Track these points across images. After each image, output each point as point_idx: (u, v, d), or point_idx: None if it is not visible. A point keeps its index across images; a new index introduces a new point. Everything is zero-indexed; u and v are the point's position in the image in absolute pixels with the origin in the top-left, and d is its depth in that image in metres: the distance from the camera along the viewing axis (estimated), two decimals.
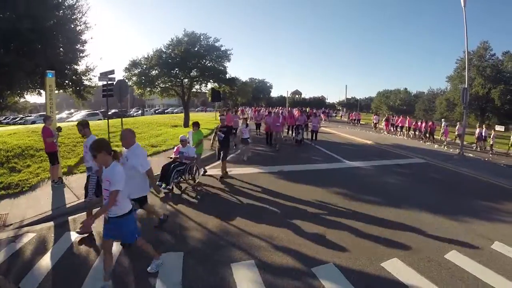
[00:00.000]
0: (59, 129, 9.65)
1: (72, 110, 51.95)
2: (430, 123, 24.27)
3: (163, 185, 8.23)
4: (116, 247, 5.30)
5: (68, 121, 35.74)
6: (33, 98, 43.63)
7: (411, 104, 65.43)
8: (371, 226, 6.44)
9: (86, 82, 17.37)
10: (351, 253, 5.24)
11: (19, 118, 47.13)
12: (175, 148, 9.84)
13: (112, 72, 14.06)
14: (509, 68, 37.38)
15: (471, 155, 16.84)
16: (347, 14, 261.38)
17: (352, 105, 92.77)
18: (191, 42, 25.06)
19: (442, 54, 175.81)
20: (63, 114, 46.62)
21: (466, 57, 19.70)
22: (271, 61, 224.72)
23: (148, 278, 4.51)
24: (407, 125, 27.34)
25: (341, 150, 17.25)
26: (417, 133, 26.09)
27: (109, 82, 13.98)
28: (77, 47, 15.50)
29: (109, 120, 16.65)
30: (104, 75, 14.21)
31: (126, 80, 24.53)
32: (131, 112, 58.53)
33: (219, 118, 13.46)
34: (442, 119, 28.57)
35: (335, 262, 4.93)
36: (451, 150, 18.55)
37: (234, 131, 18.45)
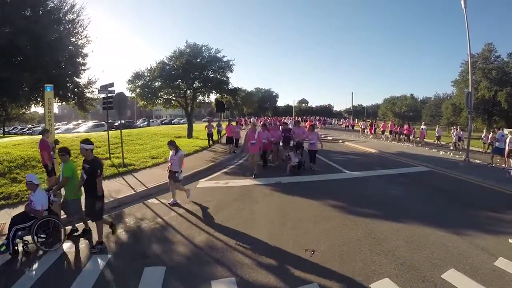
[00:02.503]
0: (57, 142, 9.92)
1: (80, 121, 52.46)
2: (406, 126, 28.51)
3: (3, 248, 5.68)
4: (100, 259, 5.56)
5: (74, 132, 36.20)
6: (42, 109, 44.23)
7: (418, 110, 64.92)
8: (365, 242, 6.13)
9: (88, 95, 17.56)
10: (339, 272, 4.97)
11: (27, 129, 47.75)
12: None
13: (111, 85, 14.22)
14: None
15: (477, 161, 16.24)
16: (352, 22, 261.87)
17: (359, 113, 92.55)
18: (193, 54, 25.20)
19: (448, 59, 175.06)
20: (70, 125, 47.09)
21: (469, 59, 19.46)
22: (277, 70, 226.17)
23: None
24: (389, 129, 30.89)
25: (342, 159, 17.07)
26: (397, 136, 29.72)
27: (109, 95, 14.10)
28: (78, 60, 15.66)
29: (115, 131, 16.76)
30: (104, 88, 14.38)
31: (130, 92, 24.84)
32: (138, 123, 58.88)
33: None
34: (423, 122, 33.13)
35: (320, 283, 4.67)
36: (426, 148, 22.45)
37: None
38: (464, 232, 6.56)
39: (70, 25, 14.91)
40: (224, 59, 26.47)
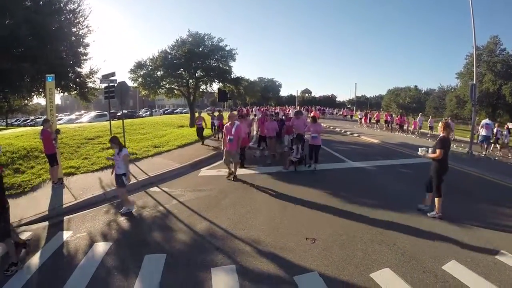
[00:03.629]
0: (58, 131, 9.95)
1: (83, 111, 52.47)
2: (398, 117, 30.92)
3: None
4: (102, 247, 5.56)
5: (77, 122, 36.21)
6: (44, 100, 44.34)
7: (421, 101, 64.47)
8: (366, 231, 6.13)
9: (90, 84, 17.54)
10: (339, 261, 4.98)
11: (29, 120, 47.79)
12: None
13: (113, 74, 14.17)
14: None
15: (482, 154, 16.33)
16: (357, 12, 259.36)
17: (362, 103, 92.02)
18: (195, 43, 25.09)
19: (453, 51, 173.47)
20: (73, 116, 47.14)
21: (474, 52, 19.29)
22: (280, 60, 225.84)
23: (127, 279, 4.61)
24: (384, 119, 33.17)
25: (344, 149, 17.00)
26: (392, 125, 31.20)
27: (110, 84, 14.06)
28: (79, 50, 15.62)
29: (117, 120, 16.71)
30: (105, 78, 14.33)
31: (132, 81, 24.77)
32: (141, 113, 58.89)
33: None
34: (420, 114, 32.63)
35: (320, 271, 4.70)
36: (429, 139, 22.86)
37: None
38: (466, 225, 6.52)
39: (71, 14, 14.83)
40: (227, 48, 26.43)
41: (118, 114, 49.00)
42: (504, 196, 9.00)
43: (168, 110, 67.55)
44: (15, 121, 50.09)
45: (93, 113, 44.48)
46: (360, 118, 38.49)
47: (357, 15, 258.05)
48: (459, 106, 41.55)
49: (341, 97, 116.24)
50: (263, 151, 14.03)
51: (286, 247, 5.48)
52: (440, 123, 7.64)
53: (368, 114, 37.47)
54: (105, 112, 44.38)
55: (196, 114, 17.91)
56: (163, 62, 24.31)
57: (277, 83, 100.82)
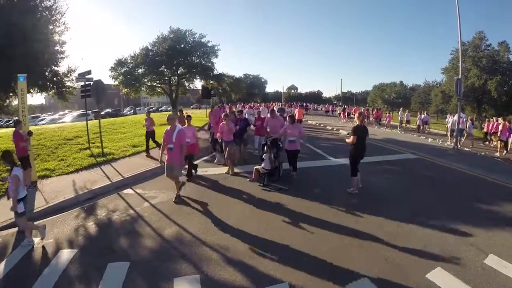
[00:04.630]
0: (30, 133, 9.52)
1: (66, 111, 51.59)
2: (375, 111, 34.04)
3: None
4: (67, 255, 5.31)
5: (60, 122, 35.51)
6: (29, 99, 43.57)
7: (407, 97, 64.96)
8: (345, 236, 5.74)
9: (68, 83, 17.10)
10: (312, 272, 4.59)
11: (11, 121, 46.73)
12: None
13: (89, 72, 13.77)
14: (505, 59, 36.74)
15: (466, 149, 16.48)
16: (341, 8, 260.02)
17: (348, 99, 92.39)
18: (176, 39, 24.72)
19: (438, 46, 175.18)
20: (56, 115, 46.33)
21: (460, 46, 19.38)
22: (266, 56, 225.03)
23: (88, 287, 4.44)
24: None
25: (327, 145, 16.77)
26: (369, 119, 32.29)
27: (86, 83, 13.65)
28: (56, 48, 15.18)
29: (101, 120, 16.21)
30: (81, 76, 13.92)
31: (113, 80, 24.28)
32: (125, 111, 58.14)
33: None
34: (401, 108, 34.14)
35: (291, 283, 4.32)
36: (394, 130, 26.12)
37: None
38: (452, 226, 6.21)
39: (47, 12, 14.40)
40: (209, 44, 26.22)
41: (102, 113, 48.35)
42: (489, 194, 8.69)
43: (153, 108, 66.76)
44: None
45: (75, 113, 43.76)
46: (339, 113, 40.98)
47: (342, 11, 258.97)
48: (445, 101, 41.68)
49: (327, 93, 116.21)
50: (221, 156, 11.79)
51: (256, 255, 5.15)
52: (356, 113, 8.86)
53: (346, 109, 40.14)
54: (88, 112, 43.75)
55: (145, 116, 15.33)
56: (144, 59, 23.94)
57: (262, 80, 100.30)
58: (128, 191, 8.84)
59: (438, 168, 11.93)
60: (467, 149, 16.37)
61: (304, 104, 58.33)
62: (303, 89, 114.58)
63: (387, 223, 6.42)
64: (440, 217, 6.65)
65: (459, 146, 16.18)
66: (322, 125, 29.20)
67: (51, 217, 7.07)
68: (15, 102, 30.77)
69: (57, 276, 4.70)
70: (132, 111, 59.41)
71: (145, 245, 5.64)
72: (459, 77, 16.91)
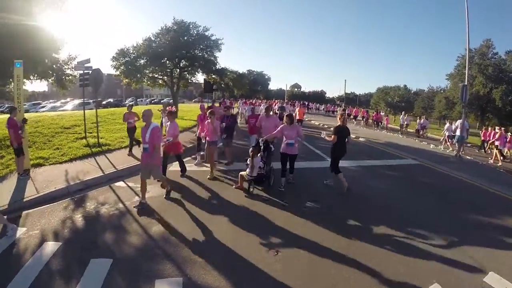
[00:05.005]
0: (24, 120, 9.39)
1: (68, 99, 51.38)
2: (374, 113, 33.59)
3: None
4: (51, 248, 5.20)
5: (60, 110, 35.38)
6: (32, 86, 43.52)
7: (410, 101, 64.39)
8: (337, 247, 5.38)
9: (68, 71, 16.93)
10: (305, 282, 4.36)
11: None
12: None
13: (88, 61, 13.58)
14: (511, 68, 36.42)
15: (468, 157, 16.24)
16: (348, 9, 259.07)
17: (352, 100, 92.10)
18: (180, 31, 24.46)
19: (444, 52, 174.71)
20: (58, 103, 46.20)
21: (467, 53, 19.03)
22: (270, 53, 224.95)
23: (68, 285, 4.28)
24: (360, 115, 36.40)
25: (327, 146, 16.29)
26: (368, 121, 34.22)
27: (85, 71, 13.46)
28: (55, 35, 15.00)
29: (102, 109, 16.04)
30: (80, 64, 13.73)
31: (114, 69, 24.06)
32: (126, 102, 57.90)
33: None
34: (402, 112, 34.24)
35: None
36: (390, 133, 26.19)
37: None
38: (451, 238, 5.93)
39: None
40: (213, 38, 25.90)
41: (104, 102, 48.21)
42: (492, 206, 8.34)
43: (155, 100, 66.59)
44: None
45: (76, 101, 43.67)
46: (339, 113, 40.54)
47: (349, 12, 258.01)
48: (448, 108, 41.36)
49: (330, 93, 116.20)
50: (201, 158, 11.11)
51: (244, 259, 4.92)
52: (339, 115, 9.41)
53: (347, 110, 39.31)
54: (90, 101, 43.68)
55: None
56: (147, 50, 23.65)
57: (266, 76, 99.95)
58: (120, 183, 8.66)
59: (439, 175, 11.64)
60: (469, 157, 16.14)
61: (306, 103, 58.35)
62: (306, 88, 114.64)
63: (383, 233, 6.13)
64: (439, 229, 6.35)
65: (461, 154, 15.91)
66: (321, 125, 29.04)
67: (40, 207, 6.94)
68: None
69: (39, 269, 4.57)
70: (133, 102, 59.23)
71: (130, 242, 5.46)
72: (465, 83, 16.57)
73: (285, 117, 8.73)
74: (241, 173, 8.34)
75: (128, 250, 5.17)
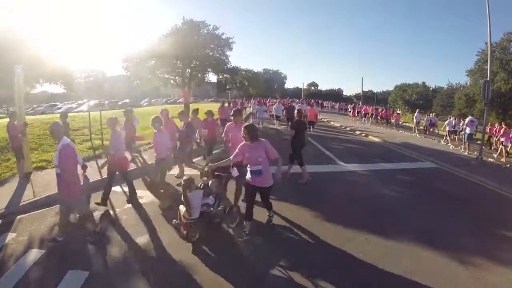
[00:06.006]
0: (25, 124, 9.37)
1: (85, 100, 52.01)
2: (383, 110, 35.11)
3: None
4: (34, 255, 5.09)
5: (75, 111, 35.75)
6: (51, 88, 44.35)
7: (429, 99, 62.81)
8: (336, 266, 4.85)
9: (76, 74, 17.06)
10: None
11: (30, 109, 47.57)
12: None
13: (94, 63, 13.48)
14: None
15: (490, 159, 14.92)
16: (366, 6, 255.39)
17: (369, 98, 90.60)
18: (190, 31, 24.33)
19: (464, 48, 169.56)
20: (74, 105, 46.90)
21: (489, 46, 17.57)
22: (287, 52, 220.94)
23: None
24: (370, 112, 35.76)
25: (338, 147, 15.92)
26: (378, 118, 34.35)
27: (91, 73, 13.42)
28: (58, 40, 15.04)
29: (113, 110, 15.98)
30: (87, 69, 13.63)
31: (125, 71, 24.07)
32: (142, 102, 58.39)
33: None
34: (417, 110, 32.17)
35: None
36: (402, 131, 26.45)
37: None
38: (469, 261, 5.12)
39: None
40: (223, 37, 25.67)
41: (120, 103, 48.59)
42: None
43: (171, 100, 66.43)
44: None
45: (92, 102, 44.18)
46: (349, 111, 43.34)
47: (366, 9, 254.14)
48: (468, 105, 39.78)
49: (347, 91, 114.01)
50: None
51: (225, 279, 4.48)
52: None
53: (356, 108, 41.61)
54: (105, 101, 44.22)
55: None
56: (157, 50, 23.53)
57: (282, 75, 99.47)
58: (116, 188, 8.21)
59: (460, 182, 10.58)
60: (491, 160, 14.89)
61: (320, 101, 57.73)
62: (323, 86, 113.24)
63: (393, 250, 5.43)
64: (456, 247, 5.57)
65: (482, 156, 14.79)
66: (343, 127, 27.31)
67: (34, 212, 6.85)
68: (34, 91, 31.14)
69: (18, 277, 4.51)
70: (147, 102, 59.77)
71: (110, 253, 5.20)
72: (487, 79, 15.38)
73: (242, 130, 5.58)
74: (180, 207, 5.76)
75: (106, 263, 4.94)
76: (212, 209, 5.75)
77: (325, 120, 31.63)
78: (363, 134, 21.61)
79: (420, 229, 6.34)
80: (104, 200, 7.00)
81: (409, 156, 14.45)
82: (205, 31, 25.08)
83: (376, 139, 19.52)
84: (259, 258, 5.09)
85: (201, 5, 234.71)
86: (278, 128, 21.97)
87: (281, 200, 7.40)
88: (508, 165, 13.74)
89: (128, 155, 7.94)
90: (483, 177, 10.86)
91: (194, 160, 10.15)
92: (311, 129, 19.21)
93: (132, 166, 8.31)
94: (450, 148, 17.94)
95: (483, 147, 16.09)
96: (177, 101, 63.14)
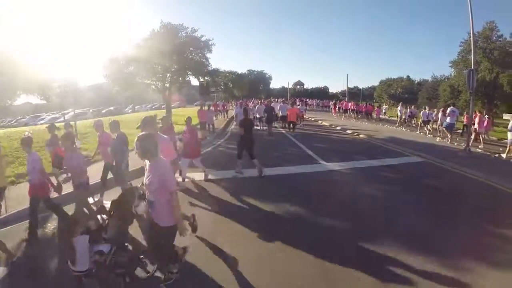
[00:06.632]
0: None
1: (70, 110, 51.14)
2: (364, 105, 37.08)
3: None
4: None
5: (60, 121, 35.00)
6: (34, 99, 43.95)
7: (414, 92, 63.41)
8: (315, 279, 4.44)
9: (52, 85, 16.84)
10: None
11: (14, 121, 46.78)
12: None
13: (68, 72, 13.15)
14: None
15: (478, 150, 14.74)
16: (348, 2, 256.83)
17: (355, 95, 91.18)
18: (168, 34, 24.06)
19: (447, 40, 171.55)
20: (57, 114, 46.11)
21: (472, 35, 17.30)
22: (271, 52, 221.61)
23: None
24: (350, 108, 37.61)
25: (320, 145, 15.76)
26: (357, 113, 35.99)
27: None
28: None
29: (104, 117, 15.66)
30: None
31: (105, 78, 23.74)
32: (126, 109, 57.79)
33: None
34: (400, 103, 32.42)
35: None
36: (386, 126, 26.91)
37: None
38: (460, 264, 4.71)
39: None
40: (203, 39, 25.57)
41: (104, 111, 47.99)
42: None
43: (156, 106, 65.76)
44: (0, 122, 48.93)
45: (77, 111, 43.52)
46: (331, 108, 45.17)
47: (349, 6, 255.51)
48: (454, 96, 39.96)
49: (333, 89, 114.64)
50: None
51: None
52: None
53: (337, 104, 43.23)
54: (89, 110, 43.71)
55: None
56: (136, 56, 23.21)
57: (267, 75, 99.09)
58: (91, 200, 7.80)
59: (449, 176, 10.34)
60: (480, 151, 14.72)
61: (304, 100, 57.32)
62: (309, 85, 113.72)
63: (375, 259, 4.96)
64: (447, 252, 5.09)
65: (470, 148, 14.61)
66: (333, 126, 26.98)
67: (3, 229, 6.61)
68: (16, 103, 30.58)
69: None
70: (131, 109, 59.35)
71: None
72: (472, 67, 15.20)
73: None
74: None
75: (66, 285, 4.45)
76: (107, 258, 3.98)
77: (309, 118, 31.95)
78: (350, 132, 21.61)
79: (407, 231, 6.00)
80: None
81: (395, 151, 14.27)
82: (184, 34, 24.92)
83: (361, 136, 19.45)
84: None
85: (181, 9, 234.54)
86: (261, 129, 21.13)
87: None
88: (496, 155, 13.60)
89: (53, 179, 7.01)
90: (468, 167, 10.70)
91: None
92: (292, 129, 19.79)
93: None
94: (437, 140, 17.95)
95: (464, 137, 17.02)
96: (162, 107, 62.74)
